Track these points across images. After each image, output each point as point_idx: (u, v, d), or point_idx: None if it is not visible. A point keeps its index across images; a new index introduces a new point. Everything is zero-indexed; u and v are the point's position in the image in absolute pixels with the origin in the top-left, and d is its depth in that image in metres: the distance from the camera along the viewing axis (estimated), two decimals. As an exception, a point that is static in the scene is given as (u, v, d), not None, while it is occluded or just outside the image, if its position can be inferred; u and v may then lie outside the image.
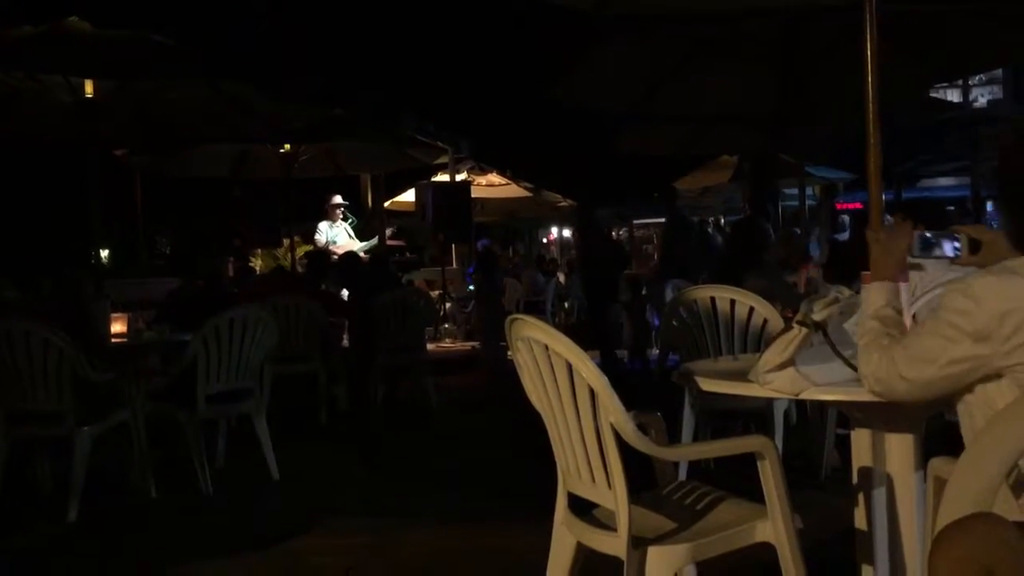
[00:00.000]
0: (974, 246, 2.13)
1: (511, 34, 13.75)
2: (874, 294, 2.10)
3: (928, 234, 2.21)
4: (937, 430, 2.43)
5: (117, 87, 6.90)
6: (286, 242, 11.54)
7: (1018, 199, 1.78)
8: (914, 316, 2.25)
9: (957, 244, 2.16)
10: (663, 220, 19.19)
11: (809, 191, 13.79)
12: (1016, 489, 1.41)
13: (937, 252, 2.19)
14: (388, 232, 12.49)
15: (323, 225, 10.44)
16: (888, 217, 3.52)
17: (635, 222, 19.88)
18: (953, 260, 2.18)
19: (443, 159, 12.45)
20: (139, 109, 7.42)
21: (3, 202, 13.70)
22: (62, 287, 4.71)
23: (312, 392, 6.55)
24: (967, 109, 18.11)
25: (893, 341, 1.92)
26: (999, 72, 18.83)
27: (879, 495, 2.40)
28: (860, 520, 2.46)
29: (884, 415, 2.34)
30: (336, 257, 9.70)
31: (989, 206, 16.59)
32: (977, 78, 19.09)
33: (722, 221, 16.80)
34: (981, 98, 20.24)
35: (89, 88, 6.66)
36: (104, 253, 11.63)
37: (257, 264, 12.56)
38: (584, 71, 6.74)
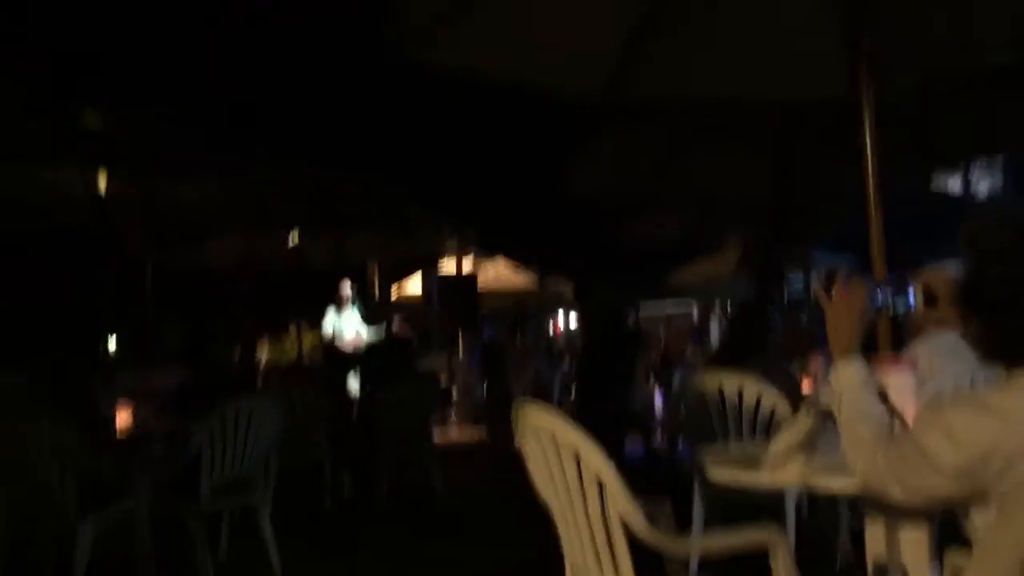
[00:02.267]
0: (929, 299, 2.09)
1: (515, 124, 14.02)
2: (841, 374, 2.04)
3: (879, 287, 2.17)
4: (953, 519, 2.39)
5: (128, 181, 7.03)
6: (292, 330, 11.57)
7: (988, 309, 1.74)
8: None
9: (911, 295, 2.12)
10: (668, 310, 19.23)
11: (815, 276, 13.82)
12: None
13: (891, 307, 2.15)
14: (395, 320, 12.53)
15: (330, 313, 10.47)
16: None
17: (642, 311, 19.89)
18: (909, 311, 2.14)
19: (449, 246, 12.57)
20: (150, 203, 7.54)
21: (12, 288, 13.78)
22: (69, 379, 4.70)
23: (317, 480, 6.48)
24: (969, 196, 18.26)
25: (877, 442, 1.86)
26: (1000, 158, 19.05)
27: (895, 588, 2.35)
28: (877, 614, 2.40)
29: (897, 506, 2.30)
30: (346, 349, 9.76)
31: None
32: (977, 164, 19.30)
33: (727, 307, 16.81)
34: (982, 184, 20.44)
35: (102, 182, 6.79)
36: (111, 343, 11.66)
37: (263, 352, 12.56)
38: (585, 165, 6.84)
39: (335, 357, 9.43)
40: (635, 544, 2.14)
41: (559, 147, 7.80)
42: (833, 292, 2.13)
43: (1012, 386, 1.66)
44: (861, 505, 2.46)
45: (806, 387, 4.65)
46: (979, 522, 1.72)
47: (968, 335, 1.82)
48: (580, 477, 2.18)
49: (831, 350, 2.12)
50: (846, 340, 2.07)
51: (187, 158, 6.79)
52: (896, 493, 1.79)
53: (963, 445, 1.63)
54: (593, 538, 2.20)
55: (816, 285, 2.21)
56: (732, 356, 4.80)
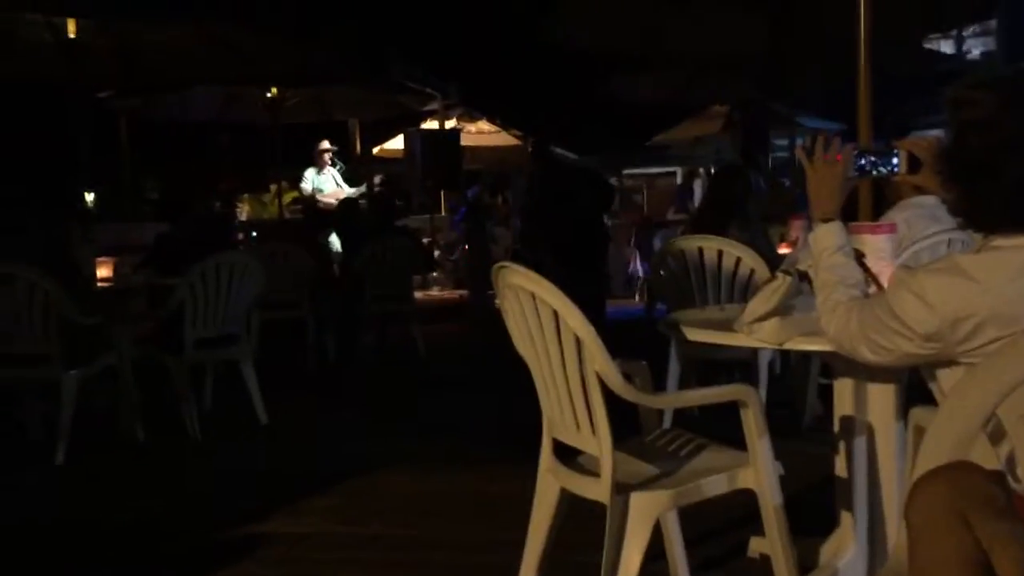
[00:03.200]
0: (913, 164, 2.08)
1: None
2: (820, 238, 2.05)
3: (863, 153, 2.16)
4: (919, 379, 2.46)
5: (99, 27, 6.79)
6: (273, 188, 11.46)
7: (968, 176, 1.73)
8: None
9: (895, 162, 2.11)
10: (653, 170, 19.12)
11: (798, 142, 13.74)
12: (993, 438, 1.43)
13: (874, 171, 2.14)
14: (376, 180, 12.41)
15: (309, 172, 10.30)
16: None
17: (624, 172, 19.80)
18: (892, 176, 2.14)
19: (432, 105, 12.34)
20: (123, 50, 7.30)
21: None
22: (50, 230, 4.67)
23: (300, 340, 6.57)
24: (960, 61, 17.98)
25: (852, 304, 1.89)
26: (993, 24, 18.68)
27: (860, 444, 2.43)
28: (841, 468, 2.50)
29: (866, 366, 2.36)
30: (328, 206, 9.69)
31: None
32: (971, 29, 18.94)
33: (711, 171, 16.75)
34: (974, 50, 20.11)
35: (72, 28, 6.54)
36: (90, 197, 11.52)
37: (244, 210, 12.47)
38: (574, 12, 6.65)
39: (316, 215, 9.36)
40: (611, 400, 2.19)
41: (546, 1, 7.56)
42: (816, 155, 2.12)
43: (988, 252, 1.68)
44: (831, 364, 2.52)
45: (786, 250, 4.70)
46: (945, 382, 1.77)
47: (947, 201, 1.83)
48: (559, 335, 2.21)
49: (811, 213, 2.12)
50: (827, 203, 2.07)
51: (161, 5, 6.54)
52: (866, 354, 1.83)
53: (935, 307, 1.66)
54: (571, 395, 2.25)
55: (799, 148, 2.19)
56: (712, 219, 4.80)
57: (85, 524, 3.59)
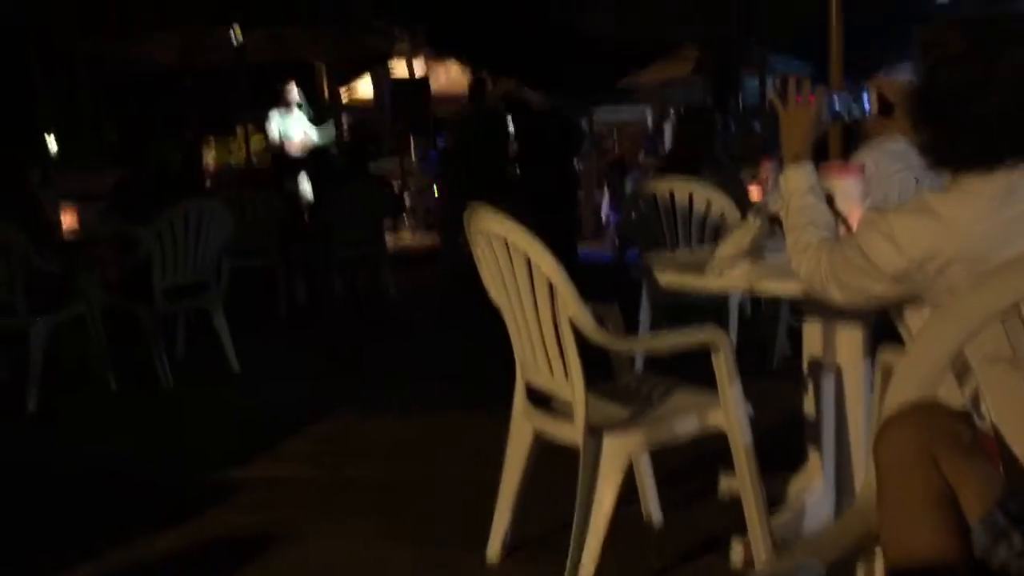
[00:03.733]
0: (886, 107, 2.09)
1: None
2: (790, 179, 2.06)
3: (835, 95, 2.16)
4: (887, 319, 2.49)
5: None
6: (239, 132, 11.26)
7: (937, 116, 1.73)
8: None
9: (866, 102, 2.12)
10: (622, 115, 19.00)
11: (770, 83, 13.68)
12: (960, 378, 1.46)
13: (847, 114, 2.15)
14: (346, 124, 12.25)
15: (275, 114, 10.06)
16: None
17: (595, 117, 19.67)
18: (864, 118, 2.14)
19: (400, 47, 12.13)
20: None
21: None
22: (5, 174, 4.57)
23: (271, 286, 6.53)
24: (931, 3, 17.93)
25: (822, 246, 1.91)
26: (964, -38, 18.60)
27: (828, 384, 2.48)
28: (809, 407, 2.54)
29: (835, 307, 2.39)
30: (297, 153, 9.55)
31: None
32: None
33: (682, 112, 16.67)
34: (945, -12, 20.03)
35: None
36: (51, 141, 11.28)
37: (210, 154, 12.28)
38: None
39: (283, 160, 9.23)
40: (584, 345, 2.20)
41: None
42: (788, 97, 2.12)
43: (956, 191, 1.69)
44: (801, 306, 2.55)
45: (756, 193, 4.71)
46: (912, 322, 1.80)
47: (917, 141, 1.83)
48: (531, 281, 2.21)
49: (783, 155, 2.12)
50: (798, 145, 2.08)
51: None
52: (836, 294, 1.85)
53: (903, 248, 1.68)
54: (543, 339, 2.26)
55: (771, 90, 2.18)
56: (680, 161, 4.79)
57: (57, 469, 3.59)
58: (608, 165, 12.51)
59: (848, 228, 2.19)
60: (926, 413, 1.28)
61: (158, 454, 3.77)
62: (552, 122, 7.29)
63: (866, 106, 2.12)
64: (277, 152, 9.68)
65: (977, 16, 1.76)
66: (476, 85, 7.80)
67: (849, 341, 2.43)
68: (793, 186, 2.04)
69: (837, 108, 2.13)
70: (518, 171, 7.51)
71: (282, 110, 10.05)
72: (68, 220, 4.95)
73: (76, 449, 3.87)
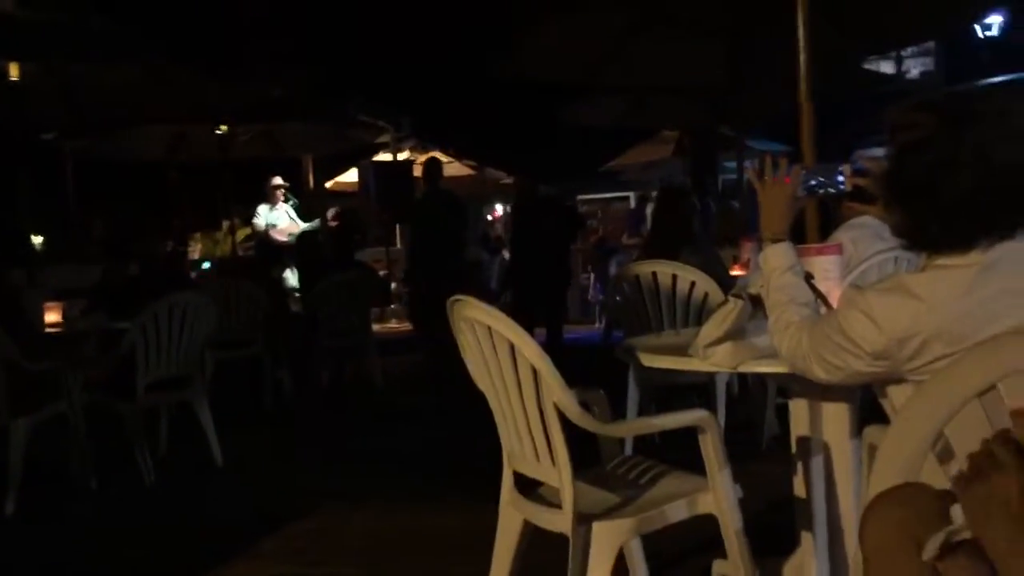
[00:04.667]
0: (866, 197, 2.09)
1: (452, 9, 13.63)
2: (770, 257, 2.07)
3: (810, 171, 2.19)
4: (873, 398, 2.49)
5: (43, 70, 6.70)
6: (225, 225, 11.35)
7: (908, 197, 1.76)
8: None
9: (841, 179, 2.14)
10: (606, 195, 19.23)
11: (748, 164, 13.92)
12: (942, 458, 1.45)
13: (822, 190, 2.18)
14: (330, 213, 12.35)
15: (262, 208, 10.23)
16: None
17: (579, 197, 19.94)
18: (839, 194, 2.16)
19: (384, 138, 12.34)
20: (68, 92, 7.21)
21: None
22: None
23: (256, 377, 6.48)
24: (900, 82, 18.43)
25: (803, 324, 1.91)
26: (931, 45, 19.19)
27: (817, 463, 2.45)
28: (799, 488, 2.51)
29: (820, 385, 2.38)
30: (280, 241, 9.61)
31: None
32: (910, 50, 19.42)
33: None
34: (914, 70, 20.62)
35: (14, 72, 6.45)
36: (37, 240, 11.31)
37: (196, 248, 12.33)
38: (527, 45, 6.71)
39: (268, 249, 9.28)
40: (571, 430, 2.19)
41: (499, 32, 7.62)
42: (766, 176, 2.15)
43: (931, 270, 1.71)
44: (787, 385, 2.55)
45: (738, 272, 4.74)
46: (896, 399, 1.80)
47: (890, 223, 1.85)
48: (515, 367, 2.21)
49: (761, 233, 2.15)
50: (777, 224, 2.10)
51: (106, 46, 6.48)
52: (818, 372, 1.85)
53: (882, 327, 1.68)
54: (529, 426, 2.25)
55: (750, 169, 2.21)
56: (662, 244, 4.82)
57: (37, 573, 3.48)
58: (592, 244, 12.63)
59: (828, 307, 2.20)
60: (910, 495, 1.27)
61: (140, 553, 3.68)
62: (553, 210, 7.44)
63: (840, 183, 2.15)
64: (262, 239, 9.75)
65: (942, 94, 1.80)
66: (430, 166, 7.60)
67: (836, 419, 2.42)
68: (773, 264, 2.06)
69: (812, 184, 2.16)
70: (518, 257, 7.56)
71: (270, 202, 10.19)
72: (52, 317, 4.93)
73: (53, 551, 3.78)
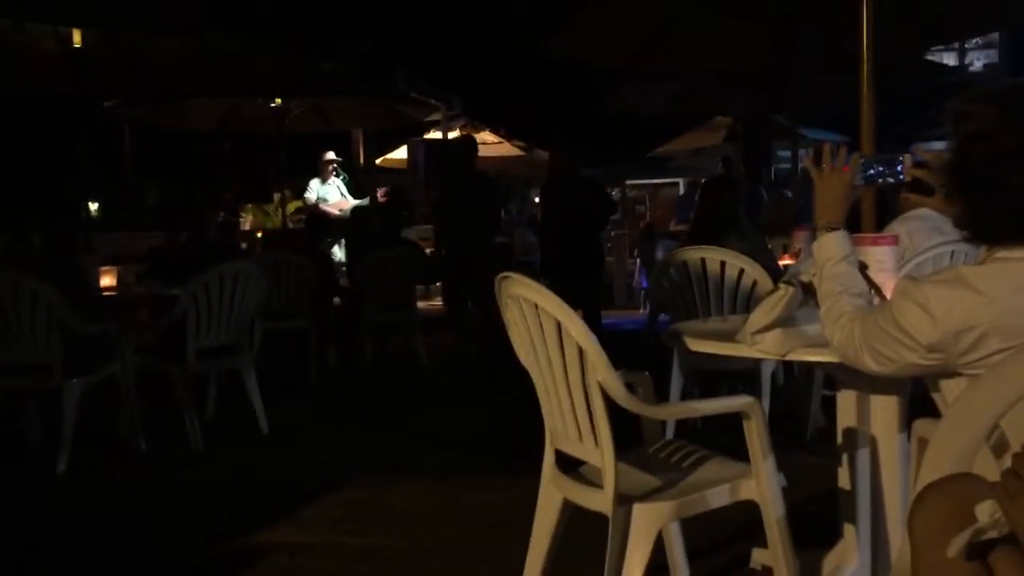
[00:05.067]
0: (924, 187, 2.06)
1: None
2: (824, 246, 2.04)
3: (869, 161, 2.15)
4: (922, 391, 2.45)
5: (105, 38, 6.80)
6: (276, 197, 11.48)
7: (971, 189, 1.73)
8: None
9: (900, 169, 2.10)
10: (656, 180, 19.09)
11: (802, 153, 13.71)
12: (996, 450, 1.43)
13: (881, 180, 2.14)
14: (380, 192, 12.44)
15: (314, 183, 10.40)
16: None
17: (627, 182, 19.85)
18: (898, 184, 2.13)
19: (436, 116, 12.36)
20: (127, 60, 7.32)
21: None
22: (52, 240, 4.68)
23: (302, 349, 6.56)
24: (963, 74, 18.01)
25: (855, 314, 1.88)
26: (995, 36, 18.72)
27: (863, 456, 2.43)
28: (844, 480, 2.49)
29: (869, 377, 2.35)
30: (330, 214, 9.71)
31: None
32: (974, 42, 18.97)
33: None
34: (977, 62, 20.15)
35: (77, 38, 6.56)
36: (93, 206, 11.55)
37: (247, 219, 12.49)
38: (578, 26, 6.66)
39: (317, 222, 9.37)
40: (614, 411, 2.19)
41: (549, 13, 7.57)
42: (823, 164, 2.12)
43: (991, 263, 1.68)
44: (835, 376, 2.52)
45: (789, 261, 4.68)
46: (948, 394, 1.77)
47: (952, 214, 1.82)
48: (561, 346, 2.21)
49: (816, 222, 2.12)
50: (832, 213, 2.07)
51: (164, 16, 6.55)
52: (870, 363, 1.82)
53: (938, 319, 1.66)
54: (573, 405, 2.25)
55: (806, 158, 2.19)
56: (706, 232, 4.78)
57: (85, 533, 3.58)
58: (640, 232, 12.55)
59: (882, 298, 2.17)
60: (962, 486, 1.25)
61: (185, 516, 3.76)
62: (586, 189, 7.27)
63: (899, 174, 2.12)
64: (313, 212, 9.85)
65: (1008, 87, 1.77)
66: (467, 144, 7.50)
67: (884, 412, 2.39)
68: (827, 254, 2.03)
69: (871, 173, 2.13)
70: (547, 238, 7.46)
71: (322, 177, 10.31)
72: (107, 281, 5.04)
73: (103, 511, 3.88)
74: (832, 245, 2.04)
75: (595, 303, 7.10)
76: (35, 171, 14.31)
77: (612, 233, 12.52)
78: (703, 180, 10.50)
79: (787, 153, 13.12)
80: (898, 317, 1.73)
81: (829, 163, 2.11)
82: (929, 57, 10.87)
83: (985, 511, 1.15)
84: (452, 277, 7.48)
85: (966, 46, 19.42)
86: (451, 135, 12.90)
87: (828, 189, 2.09)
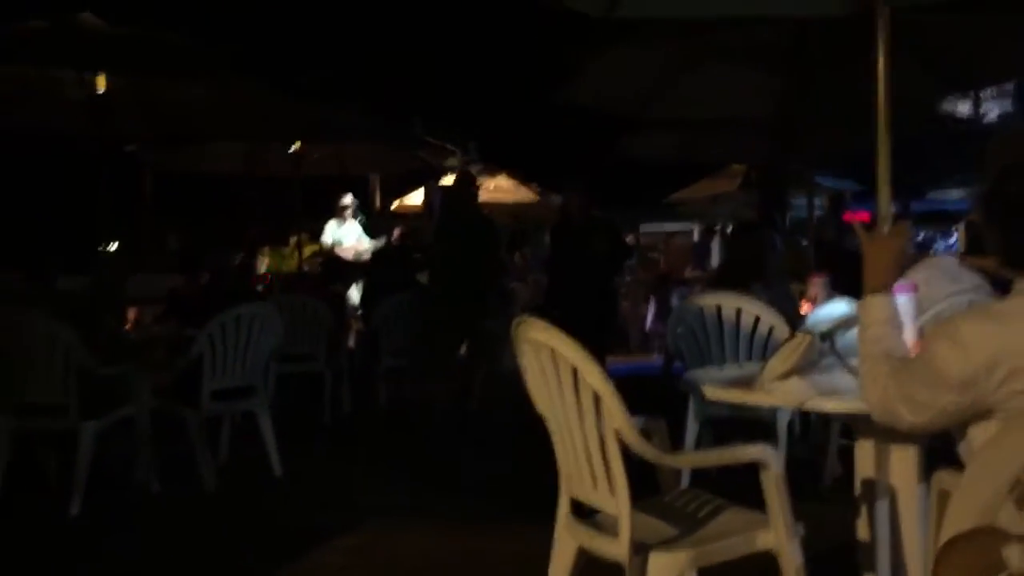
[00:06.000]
0: (975, 244, 2.10)
1: (518, 37, 13.80)
2: (869, 309, 2.04)
3: (924, 230, 2.18)
4: (940, 442, 2.43)
5: (127, 84, 6.92)
6: (292, 240, 11.57)
7: (1005, 216, 1.77)
8: (921, 329, 2.25)
9: (954, 241, 2.13)
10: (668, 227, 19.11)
11: (817, 201, 13.70)
12: (1020, 502, 1.41)
13: (933, 251, 2.16)
14: (396, 232, 12.51)
15: (331, 225, 10.50)
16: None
17: (641, 230, 19.89)
18: (956, 254, 2.16)
19: (452, 162, 12.47)
20: (149, 105, 7.44)
21: (12, 195, 13.76)
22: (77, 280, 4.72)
23: (317, 393, 6.56)
24: (977, 123, 18.06)
25: (892, 372, 1.88)
26: (1010, 86, 18.80)
27: (882, 507, 2.40)
28: (863, 531, 2.46)
29: (887, 427, 2.33)
30: (346, 257, 9.78)
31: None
32: (988, 91, 19.03)
33: (728, 229, 16.76)
34: (991, 112, 20.20)
35: (101, 84, 6.68)
36: (112, 248, 11.66)
37: (264, 262, 12.58)
38: (591, 74, 6.72)
39: (334, 266, 9.43)
40: (629, 459, 2.17)
41: (563, 60, 7.65)
42: (876, 230, 2.15)
43: (1018, 295, 1.70)
44: (852, 425, 2.50)
45: (804, 309, 4.67)
46: (976, 442, 1.75)
47: (988, 243, 1.85)
48: (577, 392, 2.20)
49: (864, 283, 2.11)
50: (881, 276, 2.07)
51: (187, 63, 6.67)
52: (906, 415, 1.81)
53: (970, 352, 1.67)
54: (588, 452, 2.24)
55: (858, 225, 2.21)
56: (732, 276, 4.79)
57: (96, 574, 3.56)
58: (654, 279, 12.55)
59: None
60: (987, 539, 1.24)
61: (197, 560, 3.74)
62: (600, 231, 7.20)
63: (954, 245, 2.15)
64: (329, 257, 9.91)
65: None
66: (463, 181, 6.89)
67: (902, 462, 2.36)
68: (873, 316, 2.02)
69: (920, 240, 2.16)
70: (558, 281, 7.26)
71: (339, 220, 10.41)
72: (126, 323, 5.07)
73: (116, 554, 3.86)
74: (878, 307, 2.03)
75: (604, 351, 6.94)
76: (54, 213, 14.49)
77: (627, 278, 12.53)
78: (733, 225, 10.45)
79: (802, 201, 13.12)
80: (930, 359, 1.74)
81: (881, 229, 2.13)
82: (944, 106, 10.93)
83: (1016, 556, 1.13)
84: (442, 320, 6.63)
85: (980, 95, 19.49)
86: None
87: (879, 253, 2.09)
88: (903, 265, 2.15)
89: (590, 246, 6.86)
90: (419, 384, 7.17)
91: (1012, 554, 1.14)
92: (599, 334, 6.75)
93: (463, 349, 6.69)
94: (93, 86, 6.65)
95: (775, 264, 5.03)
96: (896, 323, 2.02)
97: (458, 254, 6.56)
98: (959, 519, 1.34)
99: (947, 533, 1.32)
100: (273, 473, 4.91)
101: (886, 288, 2.06)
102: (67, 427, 4.31)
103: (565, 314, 6.84)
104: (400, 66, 14.63)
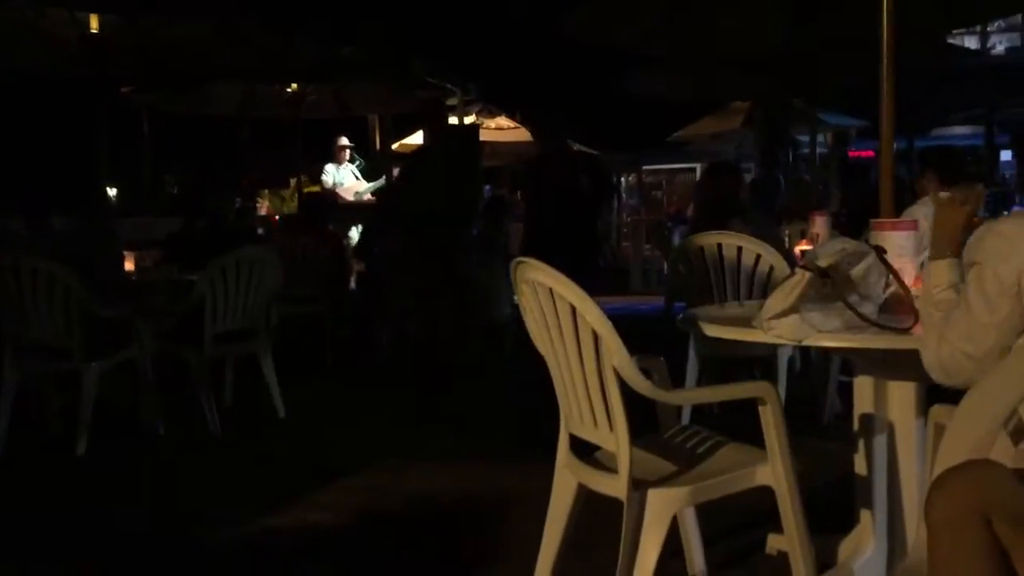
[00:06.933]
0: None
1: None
2: (935, 272, 2.02)
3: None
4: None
5: (123, 23, 6.82)
6: (293, 183, 11.52)
7: None
8: (921, 264, 2.25)
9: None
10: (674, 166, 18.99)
11: (821, 139, 13.60)
12: (1014, 436, 1.42)
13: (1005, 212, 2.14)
14: (396, 173, 12.44)
15: (330, 167, 10.44)
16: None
17: (644, 168, 19.77)
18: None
19: (452, 101, 12.34)
20: (145, 46, 7.34)
21: (9, 138, 13.67)
22: (71, 223, 4.71)
23: (319, 334, 6.58)
24: (984, 57, 17.80)
25: (945, 318, 1.86)
26: (1018, 19, 18.50)
27: (880, 441, 2.42)
28: (860, 466, 2.48)
29: (886, 363, 2.34)
30: (348, 199, 9.73)
31: (1003, 155, 16.39)
32: (995, 24, 18.74)
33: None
34: (999, 45, 19.91)
35: (94, 23, 6.59)
36: (112, 191, 11.61)
37: (263, 205, 12.53)
38: (594, 5, 6.61)
39: (315, 205, 9.34)
40: (629, 396, 2.18)
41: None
42: (947, 193, 2.11)
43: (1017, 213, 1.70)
44: (851, 361, 2.51)
45: (805, 246, 4.66)
46: None
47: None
48: (576, 330, 2.20)
49: (931, 246, 2.08)
50: (946, 244, 2.04)
51: (188, 3, 6.57)
52: (966, 347, 1.77)
53: (1015, 242, 1.67)
54: (588, 390, 2.25)
55: (935, 192, 2.16)
56: (707, 216, 4.73)
57: (103, 516, 3.61)
58: (667, 217, 12.51)
59: (901, 282, 2.16)
60: (980, 472, 1.25)
61: (203, 500, 3.79)
62: (581, 169, 7.07)
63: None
64: (309, 196, 9.79)
65: None
66: (431, 109, 6.64)
67: (901, 398, 2.38)
68: (937, 280, 1.99)
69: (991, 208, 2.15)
70: (535, 222, 7.07)
71: (336, 163, 10.34)
72: (126, 267, 5.07)
73: (122, 495, 3.91)
74: (944, 273, 2.00)
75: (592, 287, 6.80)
76: (53, 156, 14.40)
77: (628, 219, 12.51)
78: (705, 167, 10.36)
79: (805, 138, 13.01)
80: (979, 272, 1.72)
81: (953, 195, 2.09)
82: (950, 40, 10.75)
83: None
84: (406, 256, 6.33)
85: (988, 29, 19.19)
86: (467, 120, 12.88)
87: (947, 220, 2.06)
88: (972, 230, 2.11)
89: (568, 185, 6.67)
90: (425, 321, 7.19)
91: (1017, 490, 1.14)
92: (586, 278, 6.65)
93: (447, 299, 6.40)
94: (86, 26, 6.56)
95: (754, 201, 4.97)
96: (959, 288, 2.00)
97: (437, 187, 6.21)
98: (953, 453, 1.34)
99: (941, 466, 1.33)
100: (278, 415, 4.95)
101: (954, 254, 2.03)
102: (70, 369, 4.34)
103: (541, 257, 6.73)
104: (398, 4, 14.38)
